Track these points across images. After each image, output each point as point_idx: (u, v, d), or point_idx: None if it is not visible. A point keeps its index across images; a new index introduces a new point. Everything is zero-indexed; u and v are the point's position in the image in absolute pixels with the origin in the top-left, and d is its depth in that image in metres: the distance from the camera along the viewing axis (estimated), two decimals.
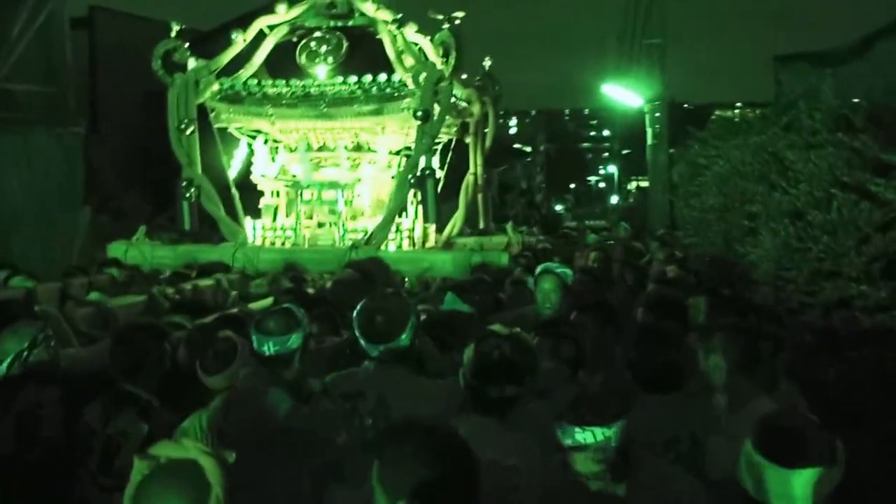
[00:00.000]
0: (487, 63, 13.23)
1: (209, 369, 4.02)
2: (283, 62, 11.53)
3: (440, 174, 12.32)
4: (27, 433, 3.89)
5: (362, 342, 3.66)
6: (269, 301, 7.41)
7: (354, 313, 3.71)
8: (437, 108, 10.53)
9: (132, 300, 7.97)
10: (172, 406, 4.01)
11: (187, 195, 11.34)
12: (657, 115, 21.96)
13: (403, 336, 3.64)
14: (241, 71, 11.48)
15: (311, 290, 8.43)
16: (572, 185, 74.68)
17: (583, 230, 19.87)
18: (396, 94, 10.68)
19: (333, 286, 7.96)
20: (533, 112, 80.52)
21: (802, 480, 2.36)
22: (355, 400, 3.55)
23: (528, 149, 45.54)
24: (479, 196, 13.10)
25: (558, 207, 57.62)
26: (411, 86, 10.58)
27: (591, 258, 8.74)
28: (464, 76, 11.87)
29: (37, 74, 14.14)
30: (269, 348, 3.80)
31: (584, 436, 2.70)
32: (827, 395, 3.93)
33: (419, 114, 10.33)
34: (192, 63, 11.25)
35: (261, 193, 11.93)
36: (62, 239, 11.50)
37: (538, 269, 5.93)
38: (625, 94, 26.06)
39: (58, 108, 14.44)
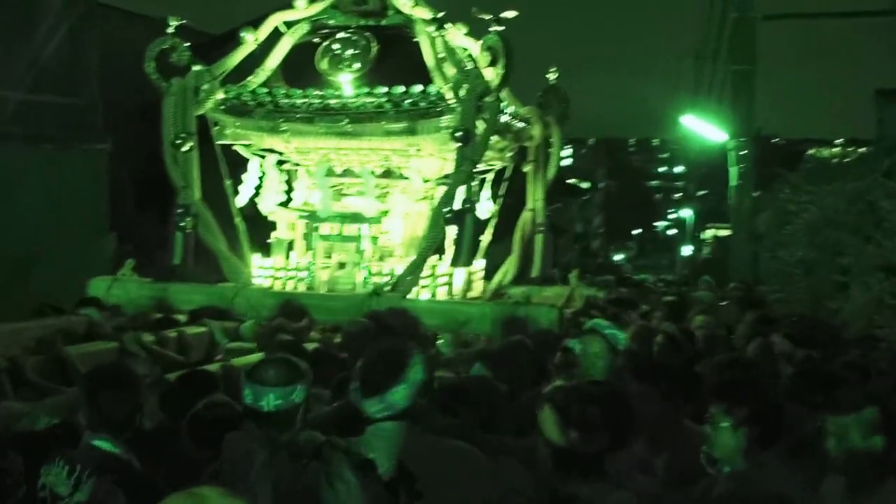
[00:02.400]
0: (553, 75, 12.25)
1: (202, 441, 4.00)
2: (303, 68, 10.65)
3: (492, 207, 11.60)
4: None
5: (357, 396, 3.51)
6: (258, 356, 6.75)
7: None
8: (480, 127, 9.67)
9: (98, 347, 7.57)
10: (156, 469, 3.86)
11: (182, 224, 10.54)
12: (743, 152, 20.95)
13: (399, 388, 3.44)
14: (252, 77, 10.78)
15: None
16: (636, 231, 73.35)
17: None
18: (433, 110, 9.87)
19: (343, 340, 7.50)
20: (592, 141, 79.40)
21: None
22: (366, 469, 3.34)
23: (586, 185, 44.35)
24: (538, 237, 12.08)
25: (618, 256, 56.40)
26: (451, 100, 9.68)
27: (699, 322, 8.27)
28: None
29: (62, 85, 14.27)
30: (268, 402, 3.56)
31: None
32: None
33: (458, 134, 9.44)
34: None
35: (272, 226, 11.01)
36: (89, 268, 11.14)
37: (585, 328, 5.75)
38: (705, 128, 25.22)
39: (84, 123, 14.53)
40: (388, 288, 9.74)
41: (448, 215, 9.73)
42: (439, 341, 8.83)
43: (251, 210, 11.19)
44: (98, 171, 14.82)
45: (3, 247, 13.10)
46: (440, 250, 10.54)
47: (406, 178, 10.82)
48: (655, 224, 78.39)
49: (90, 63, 14.80)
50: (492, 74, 9.62)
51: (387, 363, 3.48)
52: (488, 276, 11.80)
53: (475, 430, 4.06)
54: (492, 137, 10.23)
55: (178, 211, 10.62)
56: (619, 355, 5.39)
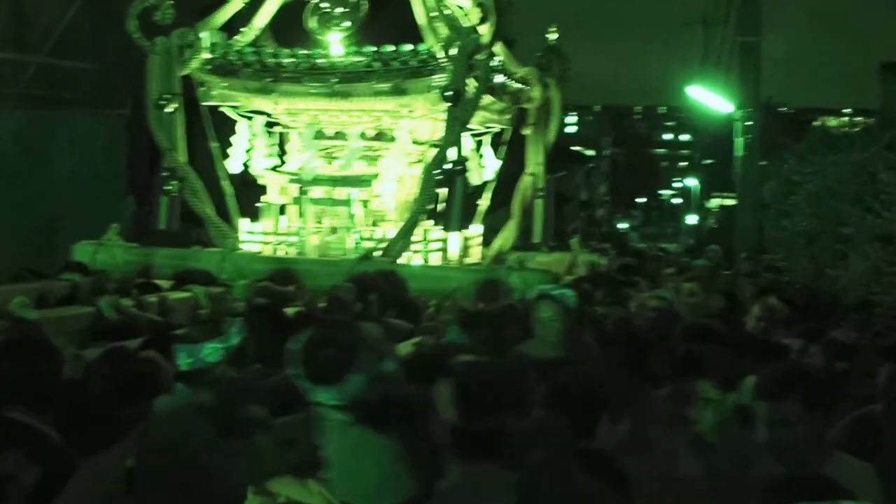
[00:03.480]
0: (552, 35, 11.95)
1: (126, 398, 3.83)
2: (291, 27, 10.51)
3: (491, 164, 11.39)
4: None
5: (304, 382, 3.30)
6: None
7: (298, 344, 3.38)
8: (472, 86, 9.46)
9: (73, 312, 7.46)
10: (78, 444, 3.60)
11: (168, 188, 10.43)
12: (749, 123, 20.76)
13: (355, 378, 3.24)
14: (238, 36, 10.61)
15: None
16: (641, 199, 73.29)
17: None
18: (423, 69, 9.69)
19: (328, 305, 7.27)
20: (597, 108, 79.32)
21: None
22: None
23: (591, 152, 43.94)
24: (538, 202, 11.84)
25: (622, 225, 56.36)
26: (442, 58, 9.55)
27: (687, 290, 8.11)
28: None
29: (83, 50, 14.40)
30: (182, 361, 3.57)
31: None
32: None
33: (448, 93, 9.21)
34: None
35: (260, 189, 10.82)
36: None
37: (534, 295, 5.49)
38: (712, 98, 25.11)
39: (103, 88, 14.63)
40: (378, 252, 9.60)
41: (438, 177, 9.52)
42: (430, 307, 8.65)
43: (239, 173, 11.03)
44: (117, 135, 15.00)
45: (27, 208, 13.32)
46: (434, 215, 10.37)
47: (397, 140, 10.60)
48: (661, 192, 78.32)
49: (110, 28, 14.86)
50: (483, 31, 9.43)
51: (339, 349, 3.29)
52: (487, 242, 11.60)
53: None
54: (488, 98, 10.08)
55: (164, 174, 10.47)
56: (572, 314, 5.24)
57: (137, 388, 3.72)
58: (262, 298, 7.35)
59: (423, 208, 9.78)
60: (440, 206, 10.31)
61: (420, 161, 10.73)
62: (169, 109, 10.31)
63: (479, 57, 9.39)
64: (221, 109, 10.82)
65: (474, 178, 10.87)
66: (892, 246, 10.74)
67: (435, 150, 10.23)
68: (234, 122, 10.91)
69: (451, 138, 9.53)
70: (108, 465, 3.29)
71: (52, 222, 13.33)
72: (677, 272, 11.51)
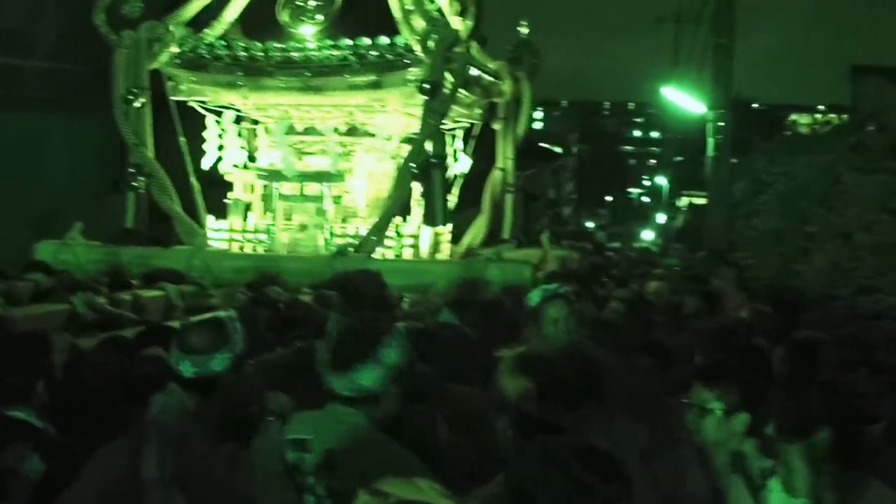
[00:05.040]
0: (523, 29, 12.20)
1: (130, 397, 3.95)
2: (263, 20, 10.62)
3: (464, 160, 11.51)
4: None
5: (325, 369, 3.32)
6: None
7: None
8: (448, 80, 9.67)
9: (47, 310, 7.46)
10: (77, 438, 3.72)
11: (134, 184, 10.49)
12: (721, 123, 21.08)
13: (364, 372, 3.23)
14: (208, 29, 10.72)
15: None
16: (609, 198, 73.64)
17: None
18: (399, 62, 9.85)
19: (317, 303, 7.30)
20: (564, 103, 79.63)
21: None
22: (301, 450, 3.14)
23: (558, 149, 44.08)
24: (508, 197, 12.04)
25: (589, 224, 56.67)
26: (419, 52, 9.71)
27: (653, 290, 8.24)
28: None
29: (77, 53, 14.68)
30: (186, 369, 3.51)
31: None
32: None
33: (425, 86, 9.41)
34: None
35: (228, 186, 10.96)
36: (100, 230, 11.26)
37: (536, 294, 5.33)
38: (685, 99, 25.44)
39: (98, 90, 14.81)
40: (352, 248, 9.75)
41: (414, 171, 9.72)
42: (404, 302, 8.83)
43: (207, 170, 11.13)
44: (110, 136, 15.21)
45: (24, 206, 13.55)
46: (406, 210, 10.54)
47: (371, 136, 10.78)
48: (629, 191, 78.81)
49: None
50: (460, 24, 9.63)
51: (359, 339, 3.29)
52: (455, 240, 11.70)
53: (443, 380, 4.05)
54: (461, 92, 10.24)
55: (130, 170, 10.55)
56: (574, 310, 5.30)
57: (145, 388, 3.70)
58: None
59: (398, 202, 9.95)
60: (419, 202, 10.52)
61: (393, 157, 10.90)
62: (137, 104, 10.40)
63: (456, 49, 9.60)
64: (190, 104, 10.91)
65: (448, 173, 11.05)
66: (851, 243, 11.56)
67: (407, 147, 10.42)
68: (204, 117, 11.00)
69: (428, 131, 9.71)
70: (113, 460, 3.41)
71: (50, 223, 13.50)
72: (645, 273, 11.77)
